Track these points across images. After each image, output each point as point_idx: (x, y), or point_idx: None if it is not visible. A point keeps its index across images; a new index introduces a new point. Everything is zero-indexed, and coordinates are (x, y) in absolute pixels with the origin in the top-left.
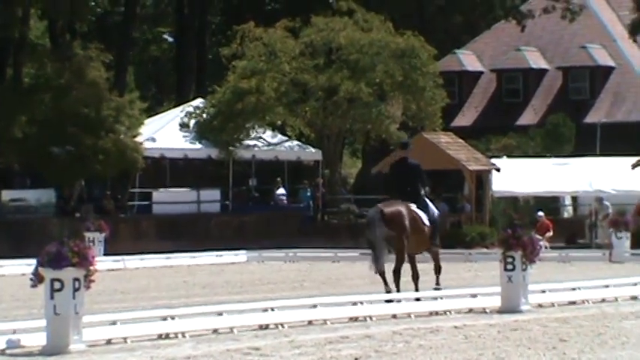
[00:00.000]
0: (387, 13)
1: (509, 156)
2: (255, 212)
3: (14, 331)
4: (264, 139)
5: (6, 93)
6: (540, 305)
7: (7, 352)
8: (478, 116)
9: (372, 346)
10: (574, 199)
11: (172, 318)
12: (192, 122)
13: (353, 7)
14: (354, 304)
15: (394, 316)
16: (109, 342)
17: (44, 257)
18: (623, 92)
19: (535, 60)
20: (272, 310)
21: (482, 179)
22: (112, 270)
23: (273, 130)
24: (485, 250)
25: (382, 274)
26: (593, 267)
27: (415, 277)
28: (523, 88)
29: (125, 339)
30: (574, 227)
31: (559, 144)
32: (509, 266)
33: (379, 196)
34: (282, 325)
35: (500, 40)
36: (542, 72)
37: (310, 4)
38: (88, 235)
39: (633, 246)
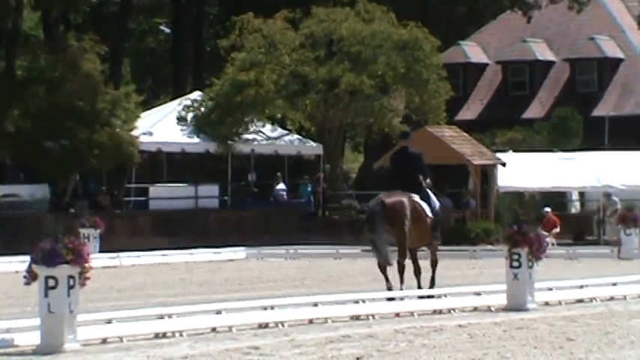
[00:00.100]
0: (389, 4)
1: (515, 150)
2: (254, 208)
3: (7, 330)
4: (263, 133)
5: None
6: (547, 303)
7: (1, 351)
8: (483, 109)
9: (374, 345)
10: (581, 194)
11: (169, 316)
12: (189, 116)
13: None
14: (356, 302)
15: (397, 315)
16: (104, 341)
17: (38, 254)
18: (632, 84)
19: (542, 51)
20: (272, 308)
21: (487, 174)
22: (108, 267)
23: (272, 123)
24: (490, 246)
25: (384, 269)
26: (601, 264)
27: (417, 272)
28: (529, 81)
29: (121, 338)
30: (581, 223)
31: (566, 138)
32: (515, 263)
33: (382, 192)
34: (282, 323)
35: (505, 31)
36: (549, 64)
37: None
38: (83, 231)
39: None
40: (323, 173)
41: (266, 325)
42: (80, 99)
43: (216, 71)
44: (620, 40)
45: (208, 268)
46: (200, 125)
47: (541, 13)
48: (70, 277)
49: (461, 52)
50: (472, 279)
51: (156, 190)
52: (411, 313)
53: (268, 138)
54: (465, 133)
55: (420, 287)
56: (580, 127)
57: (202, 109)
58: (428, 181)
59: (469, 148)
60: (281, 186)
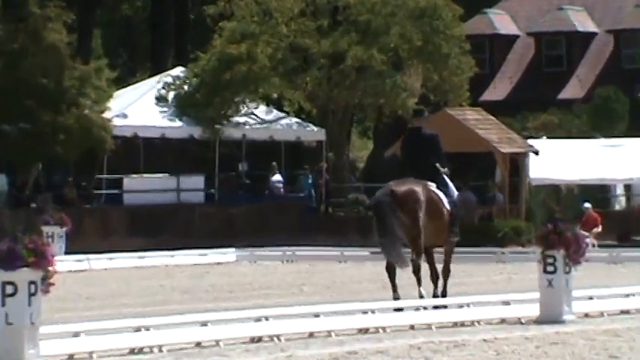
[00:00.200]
0: None
1: (549, 136)
2: (246, 203)
3: None
4: (256, 116)
5: None
6: (587, 315)
7: None
8: (513, 89)
9: None
10: (627, 187)
11: (147, 329)
12: (170, 95)
13: None
14: (364, 312)
15: (412, 327)
16: (71, 357)
17: None
18: None
19: (581, 21)
20: (266, 319)
21: (517, 164)
22: (75, 271)
23: (267, 104)
24: (520, 248)
25: (393, 273)
26: None
27: (435, 277)
28: (567, 55)
29: (90, 354)
30: (627, 222)
31: (610, 122)
32: (550, 268)
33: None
34: (278, 337)
35: None
36: (589, 36)
37: None
38: (47, 229)
39: None
40: (326, 162)
41: (259, 340)
42: (43, 75)
43: (201, 43)
44: None
45: (192, 272)
46: (183, 106)
47: None
48: (32, 282)
49: (487, 21)
50: (500, 286)
51: (131, 181)
52: (429, 326)
53: (262, 121)
54: (491, 117)
55: (436, 295)
56: (625, 110)
57: (186, 87)
58: (445, 169)
59: (496, 134)
60: (277, 177)
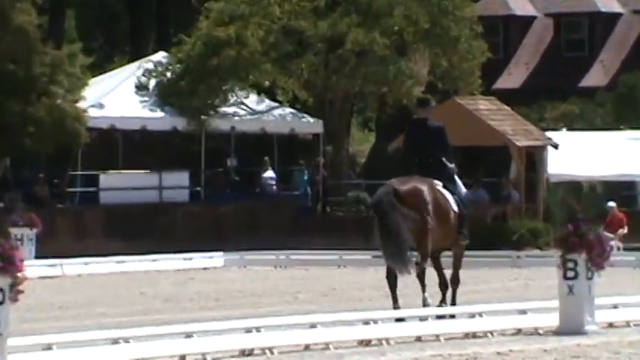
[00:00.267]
0: None
1: (569, 128)
2: (235, 202)
3: None
4: (246, 106)
5: None
6: (611, 325)
7: None
8: (529, 75)
9: None
10: None
11: (126, 341)
12: (151, 83)
13: None
14: (366, 322)
15: (418, 339)
16: None
17: None
18: None
19: (605, 1)
20: (257, 330)
21: (534, 158)
22: (47, 277)
23: (259, 93)
24: (538, 251)
25: (394, 281)
26: None
27: (443, 284)
28: (589, 39)
29: None
30: None
31: (635, 112)
32: (571, 273)
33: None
34: (270, 350)
35: None
36: (613, 17)
37: None
38: (15, 231)
39: None
40: (323, 157)
41: (250, 352)
42: (11, 61)
43: (186, 26)
44: None
45: (176, 279)
46: (165, 95)
47: None
48: None
49: (501, 1)
50: (515, 293)
51: (108, 178)
52: (437, 337)
53: (253, 112)
54: (505, 106)
55: (443, 303)
56: None
57: (168, 74)
58: (452, 165)
59: (511, 126)
60: (269, 174)
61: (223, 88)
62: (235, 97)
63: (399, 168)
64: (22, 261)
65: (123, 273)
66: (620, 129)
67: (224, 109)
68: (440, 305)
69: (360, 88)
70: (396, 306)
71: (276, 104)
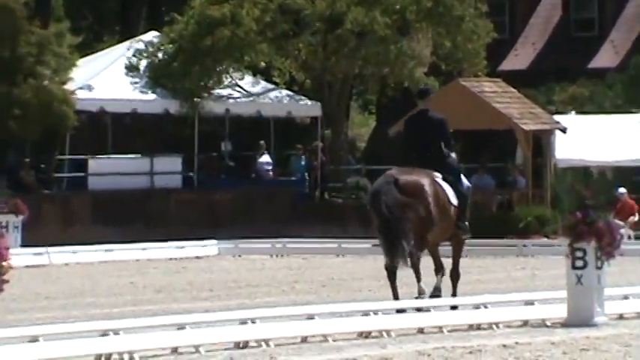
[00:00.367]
0: None
1: (578, 111)
2: (229, 188)
3: None
4: (242, 88)
5: None
6: (621, 316)
7: None
8: (536, 56)
9: None
10: None
11: (116, 333)
12: (142, 64)
13: None
14: (366, 314)
15: (420, 331)
16: None
17: None
18: None
19: None
20: (252, 322)
21: (541, 143)
22: (33, 266)
23: (254, 75)
24: (545, 240)
25: (393, 273)
26: None
27: (439, 269)
28: (599, 18)
29: None
30: None
31: None
32: (579, 263)
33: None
34: (266, 342)
35: None
36: None
37: None
38: (0, 218)
39: None
40: (321, 141)
41: (245, 345)
42: None
43: (178, 4)
44: None
45: (168, 268)
46: (157, 77)
47: None
48: None
49: None
50: (521, 283)
51: (97, 163)
52: (440, 329)
53: (248, 94)
54: (512, 88)
55: (437, 288)
56: None
57: (160, 55)
58: (453, 156)
59: (517, 109)
60: (265, 159)
61: (217, 69)
62: (230, 79)
63: (400, 154)
64: (8, 249)
65: (112, 262)
66: (632, 112)
67: (218, 91)
68: (435, 289)
69: (359, 69)
70: (396, 298)
71: (273, 86)
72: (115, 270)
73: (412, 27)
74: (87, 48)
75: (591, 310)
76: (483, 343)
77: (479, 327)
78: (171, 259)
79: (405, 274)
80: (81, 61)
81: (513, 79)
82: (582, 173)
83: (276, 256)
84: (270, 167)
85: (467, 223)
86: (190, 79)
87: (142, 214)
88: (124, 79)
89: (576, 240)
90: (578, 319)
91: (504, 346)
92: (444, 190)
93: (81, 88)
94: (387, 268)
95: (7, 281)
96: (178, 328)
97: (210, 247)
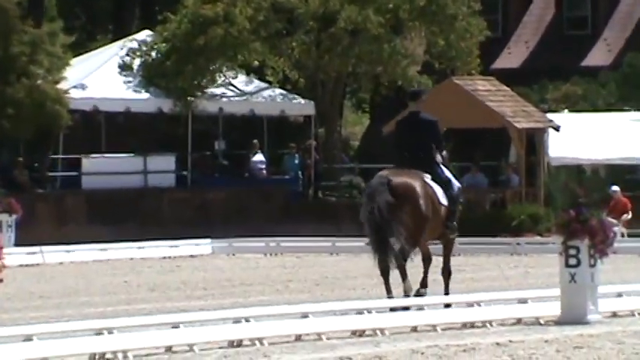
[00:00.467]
0: None
1: (571, 109)
2: (223, 187)
3: None
4: (235, 87)
5: None
6: (615, 314)
7: None
8: (529, 55)
9: None
10: None
11: (110, 332)
12: (136, 63)
13: None
14: (359, 312)
15: (414, 329)
16: None
17: None
18: None
19: None
20: (247, 320)
21: (534, 141)
22: (27, 265)
23: (247, 73)
24: (538, 238)
25: (387, 273)
26: None
27: (426, 259)
28: (592, 16)
29: None
30: None
31: None
32: (572, 261)
33: (390, 166)
34: (260, 341)
35: None
36: None
37: None
38: None
39: None
40: (315, 140)
41: (239, 343)
42: None
43: (171, 3)
44: None
45: (162, 266)
46: (150, 76)
47: None
48: None
49: None
50: (515, 281)
51: (91, 162)
52: (433, 327)
53: (242, 93)
54: (505, 87)
55: (424, 281)
56: None
57: (153, 54)
58: (445, 153)
59: (510, 107)
60: (259, 157)
61: (211, 68)
62: (223, 78)
63: (392, 155)
64: (1, 248)
65: (106, 261)
66: (625, 110)
67: (211, 90)
68: (421, 284)
69: (353, 68)
70: (389, 296)
71: (266, 85)
72: (109, 269)
73: (405, 25)
74: (80, 47)
75: (585, 308)
76: (477, 342)
77: (472, 325)
78: (165, 257)
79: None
80: (74, 61)
81: (506, 77)
82: (575, 171)
83: (270, 254)
84: (263, 166)
85: (455, 223)
86: (184, 78)
87: (135, 213)
88: (118, 78)
89: (570, 238)
90: (572, 316)
91: (498, 344)
92: (434, 191)
93: (74, 88)
94: (379, 265)
95: (1, 280)
96: (172, 327)
97: (204, 245)
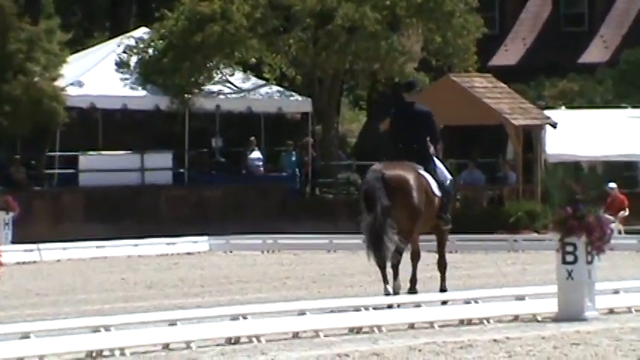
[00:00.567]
0: None
1: (568, 106)
2: (220, 184)
3: None
4: (232, 84)
5: None
6: (612, 311)
7: None
8: (526, 52)
9: None
10: None
11: (107, 329)
12: (133, 60)
13: None
14: (357, 309)
15: (411, 326)
16: None
17: None
18: None
19: None
20: (244, 317)
21: (531, 138)
22: (24, 263)
23: (244, 71)
24: (535, 235)
25: (384, 267)
26: None
27: (415, 256)
28: (588, 13)
29: (42, 357)
30: None
31: (638, 89)
32: (570, 257)
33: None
34: (257, 338)
35: None
36: None
37: None
38: None
39: None
40: (312, 137)
41: (237, 341)
42: None
43: (168, 1)
44: None
45: (159, 264)
46: (147, 73)
47: None
48: None
49: None
50: (512, 278)
51: (88, 160)
52: (431, 324)
53: (239, 90)
54: (502, 84)
55: (413, 277)
56: None
57: (150, 51)
58: (439, 146)
59: (507, 104)
60: (256, 155)
61: (208, 65)
62: (220, 75)
63: (386, 150)
64: None
65: (103, 258)
66: (622, 107)
67: (208, 87)
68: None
69: (350, 65)
70: (387, 291)
71: (263, 82)
72: (106, 266)
73: (402, 22)
74: (77, 44)
75: (582, 305)
76: (474, 338)
77: (470, 322)
78: (162, 255)
79: (400, 267)
80: (71, 58)
81: (503, 74)
82: (573, 168)
83: (267, 252)
84: (260, 163)
85: (448, 215)
86: (181, 75)
87: (132, 211)
88: (115, 75)
89: (567, 235)
90: (569, 313)
91: (495, 340)
92: (428, 182)
93: (71, 85)
94: (377, 261)
95: None
96: (170, 324)
97: (201, 243)
